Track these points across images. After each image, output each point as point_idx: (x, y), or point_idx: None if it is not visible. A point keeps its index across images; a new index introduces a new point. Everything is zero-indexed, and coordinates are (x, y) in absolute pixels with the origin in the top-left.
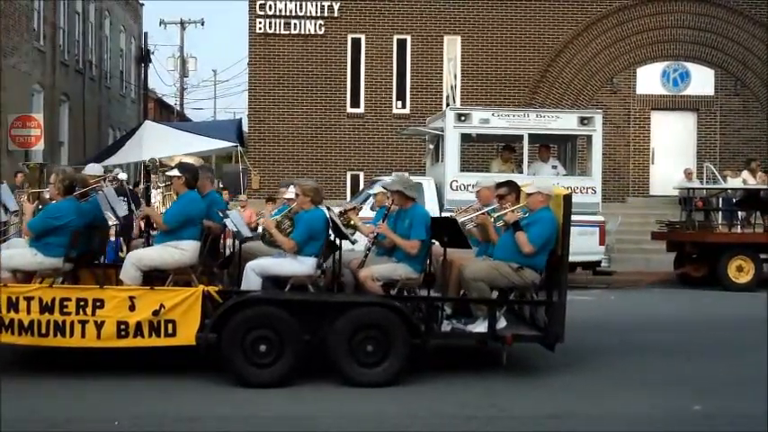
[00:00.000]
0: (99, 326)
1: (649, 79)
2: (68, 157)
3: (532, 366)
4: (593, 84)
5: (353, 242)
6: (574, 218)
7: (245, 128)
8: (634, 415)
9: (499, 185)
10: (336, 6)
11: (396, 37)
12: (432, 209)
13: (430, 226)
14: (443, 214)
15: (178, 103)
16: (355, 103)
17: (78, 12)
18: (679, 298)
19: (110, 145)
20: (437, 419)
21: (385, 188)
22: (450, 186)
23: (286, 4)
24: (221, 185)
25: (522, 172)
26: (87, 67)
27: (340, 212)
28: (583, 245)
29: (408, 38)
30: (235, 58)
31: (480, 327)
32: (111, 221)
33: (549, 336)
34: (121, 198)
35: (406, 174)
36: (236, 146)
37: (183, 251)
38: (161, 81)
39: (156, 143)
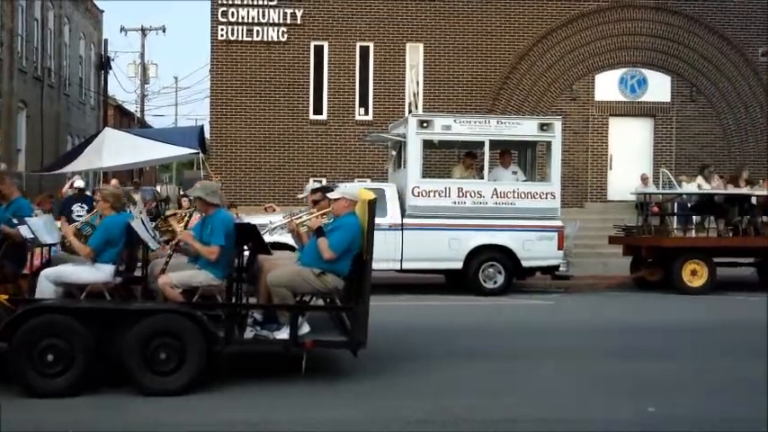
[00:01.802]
0: None
1: (608, 86)
2: (26, 164)
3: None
4: (553, 90)
5: (154, 249)
6: (534, 223)
7: (207, 134)
8: (594, 419)
9: (313, 191)
10: (299, 13)
11: (358, 44)
12: (394, 215)
13: (233, 232)
14: (405, 221)
15: (139, 109)
16: (318, 110)
17: (37, 18)
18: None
19: (68, 152)
20: (399, 424)
21: (186, 194)
22: (413, 192)
23: (248, 12)
24: (182, 192)
25: (483, 178)
26: (46, 75)
27: (163, 218)
28: (542, 250)
29: (371, 45)
30: (197, 64)
31: (284, 333)
32: None
33: (352, 342)
34: (79, 204)
35: (212, 181)
36: (198, 152)
37: None
38: (122, 88)
39: (116, 150)
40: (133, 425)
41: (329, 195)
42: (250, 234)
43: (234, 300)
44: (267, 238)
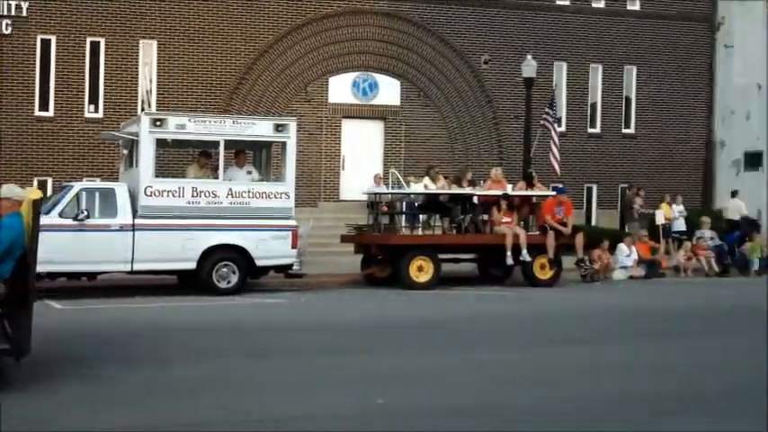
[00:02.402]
0: None
1: (341, 88)
2: None
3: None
4: (288, 91)
5: None
6: (268, 222)
7: None
8: (316, 414)
9: None
10: (25, 6)
11: (89, 39)
12: (125, 215)
13: None
14: (137, 221)
15: None
16: (44, 107)
17: None
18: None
19: None
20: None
21: None
22: (145, 192)
23: None
24: None
25: (217, 178)
26: None
27: None
28: (276, 249)
29: (102, 41)
30: None
31: None
32: None
33: (13, 349)
34: None
35: None
36: None
37: None
38: None
39: None
40: None
41: None
42: None
43: None
44: None
